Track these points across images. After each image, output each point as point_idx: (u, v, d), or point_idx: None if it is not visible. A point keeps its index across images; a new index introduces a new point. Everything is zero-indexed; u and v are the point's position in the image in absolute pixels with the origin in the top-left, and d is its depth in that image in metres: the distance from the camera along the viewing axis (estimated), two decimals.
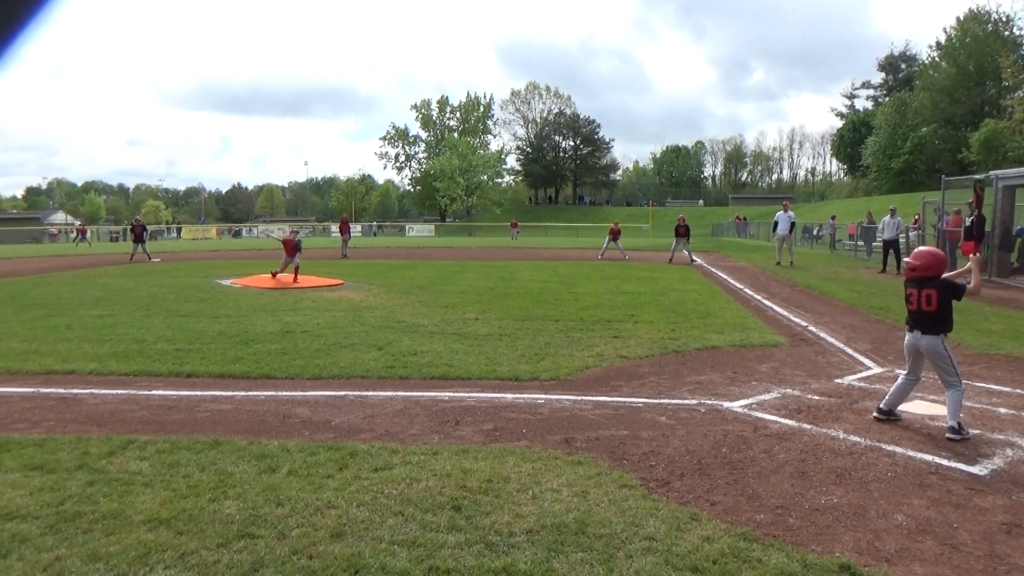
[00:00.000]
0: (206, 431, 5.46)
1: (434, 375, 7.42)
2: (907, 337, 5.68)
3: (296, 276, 17.17)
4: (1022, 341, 9.43)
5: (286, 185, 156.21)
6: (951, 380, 5.44)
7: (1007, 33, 61.81)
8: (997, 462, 4.85)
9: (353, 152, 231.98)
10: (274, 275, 17.69)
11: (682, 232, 25.11)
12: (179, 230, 72.50)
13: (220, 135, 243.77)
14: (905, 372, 5.85)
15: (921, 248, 5.86)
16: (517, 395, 6.64)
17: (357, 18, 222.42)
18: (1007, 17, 62.79)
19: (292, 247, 17.59)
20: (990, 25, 63.12)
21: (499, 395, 6.64)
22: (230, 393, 6.69)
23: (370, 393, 6.69)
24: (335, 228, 49.63)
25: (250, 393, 6.69)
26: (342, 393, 6.68)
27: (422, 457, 4.83)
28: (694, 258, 25.20)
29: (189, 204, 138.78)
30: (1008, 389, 6.94)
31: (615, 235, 28.57)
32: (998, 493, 4.31)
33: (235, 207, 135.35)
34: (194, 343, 9.15)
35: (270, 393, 6.70)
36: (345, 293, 15.12)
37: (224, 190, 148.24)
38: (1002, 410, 6.17)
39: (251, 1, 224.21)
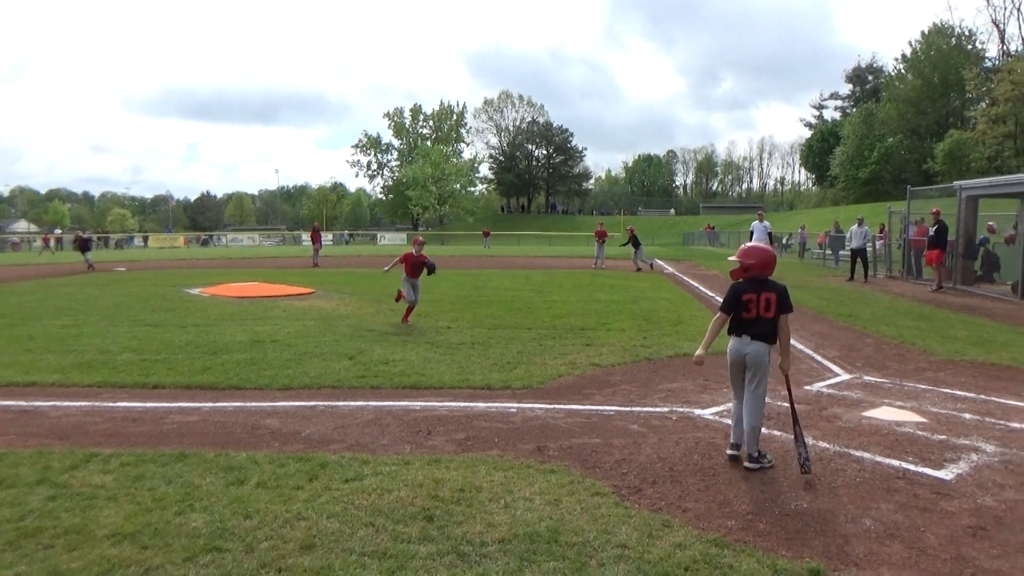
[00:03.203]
0: (172, 443, 5.36)
1: (406, 384, 7.37)
2: (730, 345, 5.02)
3: (407, 315, 11.83)
4: (986, 348, 9.63)
5: (256, 193, 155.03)
6: (759, 403, 4.92)
7: (970, 47, 63.57)
8: (962, 467, 4.94)
9: (324, 160, 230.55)
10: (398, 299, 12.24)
11: (633, 241, 26.15)
12: (146, 239, 71.37)
13: (187, 142, 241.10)
14: (735, 394, 5.11)
15: (750, 244, 5.24)
16: (489, 404, 6.62)
17: (326, 25, 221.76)
18: (970, 31, 64.68)
19: (416, 267, 11.83)
20: (954, 39, 64.81)
21: (471, 404, 6.61)
22: (197, 404, 6.58)
23: (341, 403, 6.62)
24: (306, 237, 49.25)
25: (218, 404, 6.58)
26: (312, 403, 6.61)
27: (393, 467, 4.79)
28: (642, 265, 25.77)
29: (156, 212, 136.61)
30: (972, 395, 7.08)
31: (602, 238, 27.97)
32: (963, 497, 4.38)
33: (204, 215, 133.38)
34: (160, 353, 8.99)
35: (239, 404, 6.60)
36: (316, 302, 14.98)
37: (192, 198, 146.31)
38: (967, 415, 6.29)
39: (216, 6, 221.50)
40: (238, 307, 14.01)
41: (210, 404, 6.59)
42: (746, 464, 4.87)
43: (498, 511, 4.08)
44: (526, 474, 4.70)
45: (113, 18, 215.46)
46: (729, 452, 5.05)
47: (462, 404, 6.61)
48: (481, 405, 6.57)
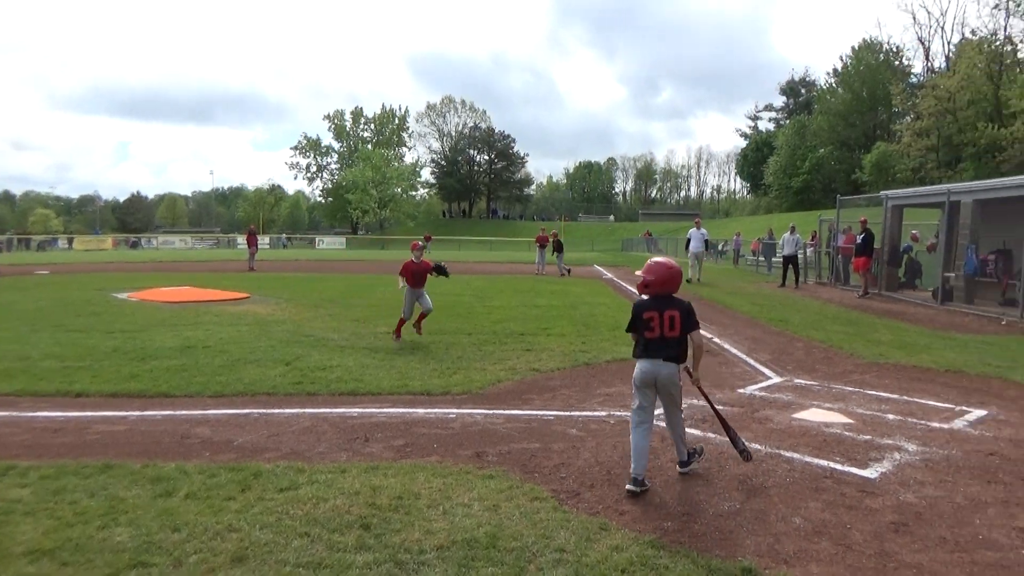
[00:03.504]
0: (96, 454, 5.14)
1: (343, 391, 7.25)
2: (640, 367, 4.72)
3: (419, 324, 10.73)
4: (908, 351, 10.05)
5: (190, 194, 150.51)
6: (679, 416, 4.84)
7: (897, 63, 66.42)
8: (886, 465, 5.13)
9: (262, 162, 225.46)
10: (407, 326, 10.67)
11: (556, 247, 27.02)
12: (71, 240, 68.48)
13: (117, 141, 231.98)
14: (638, 420, 4.71)
15: (654, 260, 4.93)
16: (429, 410, 6.56)
17: (264, 23, 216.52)
18: (897, 48, 67.64)
19: (419, 276, 10.58)
20: (882, 55, 67.62)
21: (410, 410, 6.55)
22: (123, 413, 6.33)
23: (276, 410, 6.47)
24: (242, 240, 48.06)
25: (146, 413, 6.35)
26: (246, 411, 6.43)
27: (330, 475, 4.70)
28: (561, 269, 26.36)
29: (83, 213, 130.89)
30: (896, 396, 7.38)
31: (544, 244, 27.95)
32: (887, 494, 4.55)
33: (134, 217, 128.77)
34: (85, 360, 8.62)
35: (168, 412, 6.38)
36: (251, 307, 14.62)
37: (122, 199, 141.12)
38: (890, 416, 6.54)
39: (148, 0, 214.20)
40: (169, 312, 13.56)
41: (137, 413, 6.35)
42: (681, 471, 4.84)
43: (437, 518, 4.04)
44: (465, 480, 4.67)
45: (36, 9, 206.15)
46: (629, 488, 4.47)
47: (401, 410, 6.55)
48: (420, 411, 6.52)
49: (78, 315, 12.95)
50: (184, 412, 6.41)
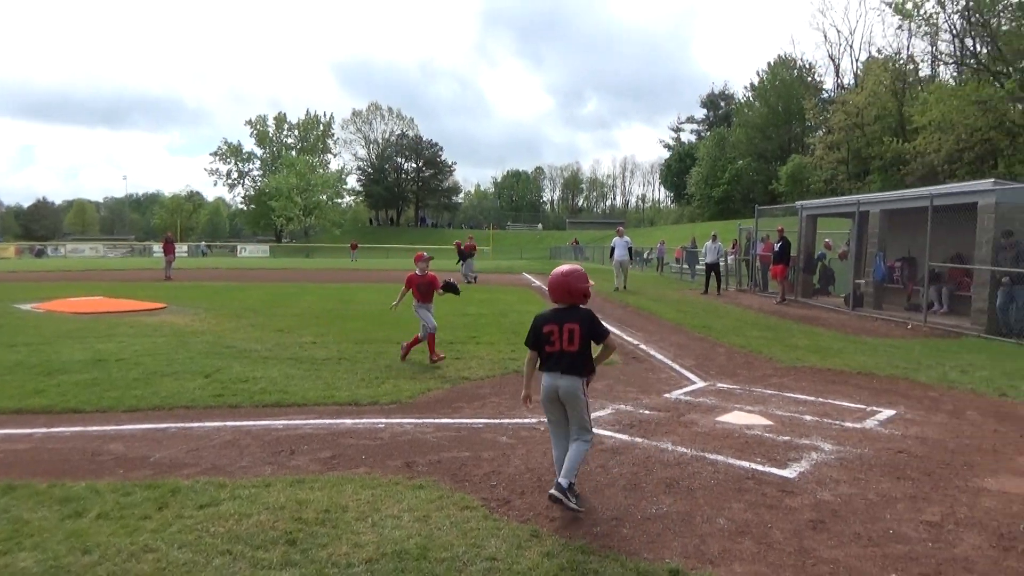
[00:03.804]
0: None
1: (267, 402, 7.04)
2: (542, 383, 4.52)
3: (432, 353, 9.36)
4: (823, 355, 10.48)
5: (101, 201, 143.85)
6: (584, 433, 4.45)
7: (809, 79, 69.47)
8: (804, 465, 5.32)
9: (179, 167, 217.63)
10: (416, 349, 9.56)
11: (462, 254, 27.53)
12: None
13: (20, 144, 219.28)
14: (552, 435, 4.64)
15: (559, 268, 4.64)
16: (357, 420, 6.44)
17: (183, 24, 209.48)
18: (810, 64, 70.77)
19: (427, 290, 9.42)
20: (796, 71, 70.63)
21: (338, 421, 6.41)
22: (28, 431, 5.97)
23: (195, 424, 6.22)
24: (158, 248, 46.22)
25: (53, 430, 6.00)
26: (163, 426, 6.16)
27: (253, 490, 4.54)
28: (468, 275, 26.61)
29: None
30: (812, 398, 7.67)
31: (471, 251, 27.96)
32: (805, 493, 4.72)
33: (39, 224, 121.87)
34: None
35: (77, 429, 6.05)
36: (168, 317, 14.06)
37: (26, 205, 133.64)
38: (807, 417, 6.80)
39: None
40: (78, 323, 12.89)
41: (43, 430, 5.99)
42: (552, 492, 4.26)
43: (365, 530, 3.96)
44: (394, 491, 4.60)
45: None
46: (553, 492, 4.29)
47: (328, 421, 6.40)
48: (348, 422, 6.39)
49: None
50: (96, 428, 6.09)
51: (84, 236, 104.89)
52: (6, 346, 10.14)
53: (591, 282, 4.58)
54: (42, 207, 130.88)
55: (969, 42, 39.04)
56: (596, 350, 4.55)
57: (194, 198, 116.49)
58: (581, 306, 4.53)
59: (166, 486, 4.58)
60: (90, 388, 7.50)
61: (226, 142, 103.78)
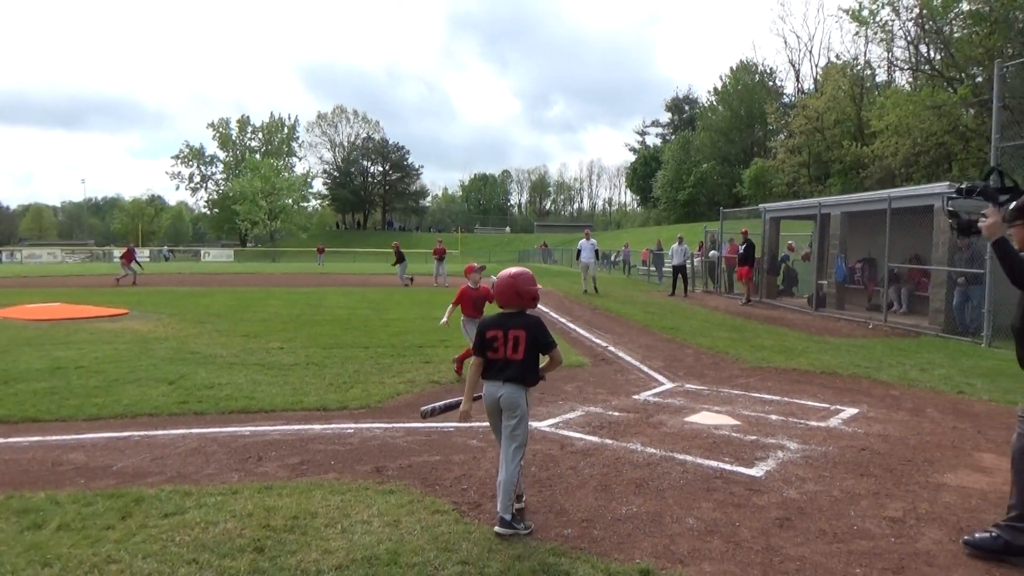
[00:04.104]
0: None
1: (234, 409, 6.94)
2: (485, 390, 4.22)
3: (459, 365, 8.86)
4: (788, 355, 10.65)
5: (59, 205, 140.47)
6: (516, 453, 4.13)
7: (771, 84, 70.66)
8: (771, 463, 5.40)
9: (140, 171, 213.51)
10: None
11: (398, 257, 27.34)
12: None
13: None
14: (501, 451, 4.26)
15: (506, 271, 4.38)
16: (325, 426, 6.38)
17: (142, 24, 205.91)
18: (771, 70, 72.03)
19: (479, 303, 8.68)
20: (757, 76, 71.76)
21: (306, 427, 6.34)
22: None
23: (159, 432, 6.10)
24: (119, 253, 45.21)
25: (10, 440, 5.84)
26: (126, 434, 6.04)
27: (219, 498, 4.47)
28: (404, 281, 26.70)
29: None
30: (778, 398, 7.79)
31: (441, 256, 28.00)
32: (772, 492, 4.79)
33: None
34: None
35: (36, 438, 5.89)
36: (129, 323, 13.78)
37: None
38: (773, 416, 6.90)
39: None
40: (35, 331, 12.57)
41: (0, 440, 5.83)
42: (497, 529, 3.98)
43: (334, 536, 3.92)
44: (364, 496, 4.56)
45: None
46: (499, 529, 3.99)
47: (296, 427, 6.33)
48: (316, 427, 6.33)
49: None
50: (55, 437, 5.94)
51: (41, 241, 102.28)
52: None
53: (539, 285, 4.40)
54: None
55: (923, 48, 40.11)
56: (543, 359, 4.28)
57: (155, 202, 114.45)
58: (528, 312, 4.29)
59: (130, 495, 4.49)
60: (49, 397, 7.31)
61: (188, 145, 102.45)
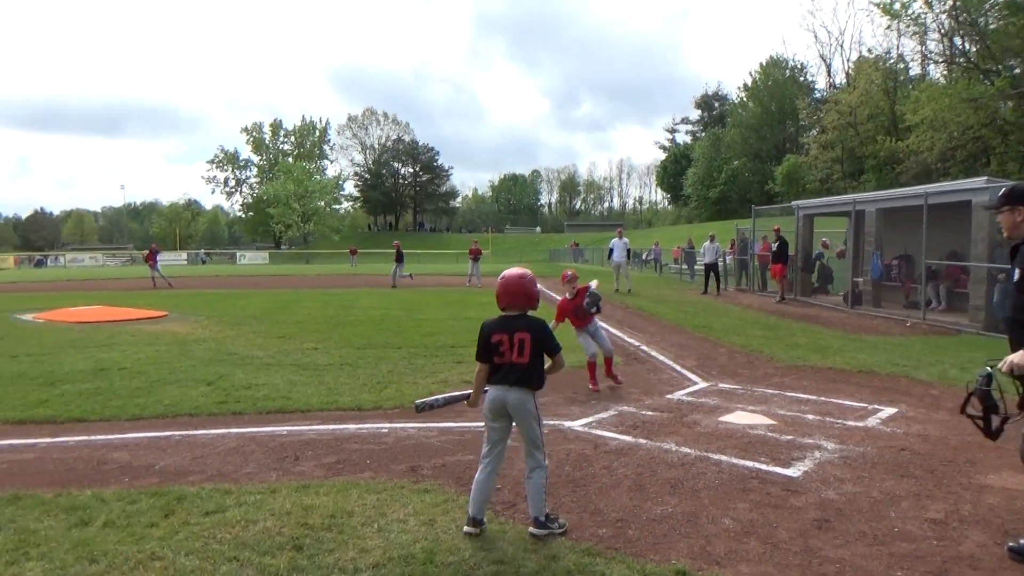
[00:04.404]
0: (3, 485, 4.83)
1: (271, 409, 7.05)
2: (488, 396, 4.15)
3: (611, 372, 8.43)
4: (823, 353, 10.50)
5: (99, 210, 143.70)
6: (537, 454, 4.13)
7: (802, 79, 69.66)
8: (808, 464, 5.33)
9: (177, 176, 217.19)
10: None
11: (398, 257, 27.35)
12: None
13: (16, 155, 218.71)
14: (484, 453, 4.20)
15: (511, 271, 4.36)
16: (360, 425, 6.46)
17: (177, 32, 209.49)
18: (802, 65, 71.07)
19: (581, 312, 8.13)
20: (788, 71, 70.81)
21: (341, 426, 6.42)
22: (32, 441, 5.98)
23: (199, 432, 6.23)
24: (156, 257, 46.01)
25: (57, 440, 6.01)
26: (167, 434, 6.17)
27: (258, 496, 4.55)
28: (399, 282, 26.71)
29: None
30: (814, 397, 7.69)
31: (477, 256, 28.14)
32: (809, 492, 4.73)
33: (38, 234, 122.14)
34: None
35: (82, 438, 6.06)
36: (169, 325, 14.07)
37: (24, 215, 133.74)
38: (810, 416, 6.81)
39: (50, 6, 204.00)
40: (79, 333, 12.90)
41: (48, 440, 6.00)
42: (531, 530, 3.99)
43: (371, 535, 3.97)
44: (400, 495, 4.61)
45: None
46: (466, 529, 3.98)
47: (331, 427, 6.41)
48: (352, 427, 6.40)
49: None
50: (100, 437, 6.10)
51: (83, 246, 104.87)
52: (8, 357, 10.14)
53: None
54: (40, 217, 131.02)
55: (958, 41, 39.14)
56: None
57: (192, 206, 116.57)
58: (530, 313, 4.22)
59: (172, 493, 4.59)
60: (93, 397, 7.50)
61: (223, 150, 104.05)
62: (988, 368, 3.72)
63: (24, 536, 3.95)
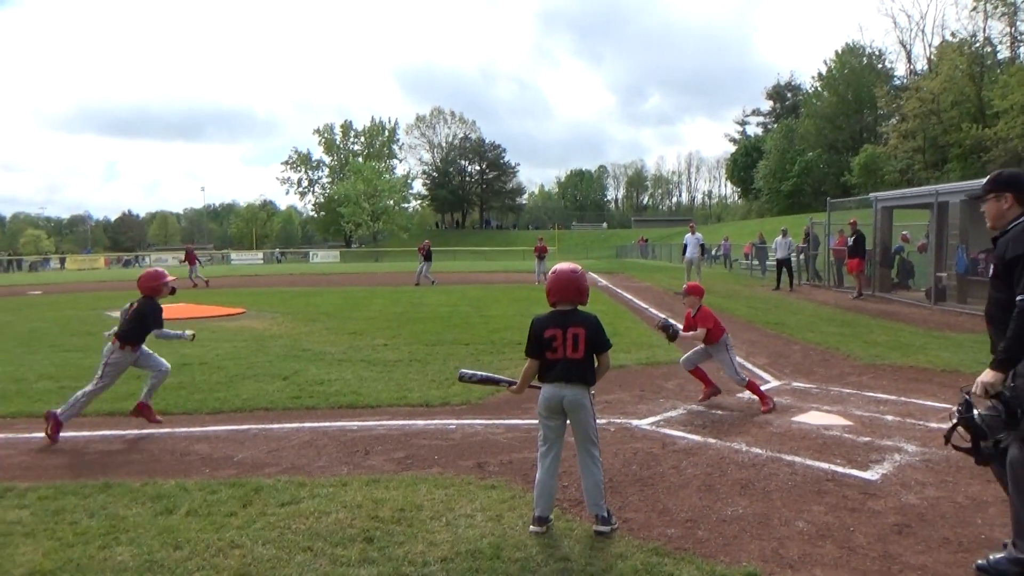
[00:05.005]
0: (95, 474, 5.10)
1: (342, 404, 7.23)
2: (542, 394, 4.11)
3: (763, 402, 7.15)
4: (904, 352, 10.08)
5: (181, 212, 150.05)
6: (594, 450, 4.11)
7: (880, 66, 67.01)
8: (887, 467, 5.14)
9: (253, 177, 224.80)
10: None
11: (426, 256, 27.70)
12: (63, 260, 68.26)
13: (106, 160, 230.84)
14: (543, 453, 4.18)
15: (564, 266, 4.33)
16: (428, 421, 6.55)
17: (252, 39, 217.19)
18: (879, 51, 68.33)
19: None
20: (865, 58, 68.20)
21: (410, 422, 6.54)
22: (121, 432, 6.30)
23: (275, 425, 6.44)
24: (236, 255, 47.79)
25: (143, 431, 6.32)
26: (245, 427, 6.41)
27: (331, 489, 4.68)
28: (423, 281, 26.84)
29: (74, 233, 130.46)
30: (894, 397, 7.39)
31: (542, 253, 28.14)
32: (889, 496, 4.56)
33: (125, 235, 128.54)
34: (80, 380, 8.48)
35: (166, 430, 6.35)
36: (247, 322, 14.59)
37: (113, 218, 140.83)
38: (889, 417, 6.56)
39: (133, 18, 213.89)
40: None
41: (135, 431, 6.32)
42: (596, 528, 3.98)
43: (439, 529, 4.03)
44: (467, 491, 4.66)
45: (23, 30, 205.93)
46: (532, 529, 3.98)
47: (400, 422, 6.53)
48: (420, 423, 6.51)
49: (72, 335, 12.90)
50: (182, 429, 6.38)
51: (167, 246, 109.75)
52: (99, 352, 10.67)
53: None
54: (127, 220, 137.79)
55: None
56: None
57: (267, 207, 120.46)
58: (581, 308, 4.18)
59: (249, 485, 4.77)
60: (176, 391, 7.85)
61: (295, 151, 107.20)
62: (966, 395, 3.50)
63: (115, 522, 4.17)
